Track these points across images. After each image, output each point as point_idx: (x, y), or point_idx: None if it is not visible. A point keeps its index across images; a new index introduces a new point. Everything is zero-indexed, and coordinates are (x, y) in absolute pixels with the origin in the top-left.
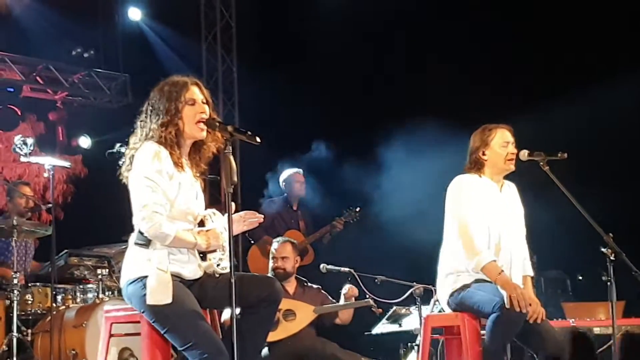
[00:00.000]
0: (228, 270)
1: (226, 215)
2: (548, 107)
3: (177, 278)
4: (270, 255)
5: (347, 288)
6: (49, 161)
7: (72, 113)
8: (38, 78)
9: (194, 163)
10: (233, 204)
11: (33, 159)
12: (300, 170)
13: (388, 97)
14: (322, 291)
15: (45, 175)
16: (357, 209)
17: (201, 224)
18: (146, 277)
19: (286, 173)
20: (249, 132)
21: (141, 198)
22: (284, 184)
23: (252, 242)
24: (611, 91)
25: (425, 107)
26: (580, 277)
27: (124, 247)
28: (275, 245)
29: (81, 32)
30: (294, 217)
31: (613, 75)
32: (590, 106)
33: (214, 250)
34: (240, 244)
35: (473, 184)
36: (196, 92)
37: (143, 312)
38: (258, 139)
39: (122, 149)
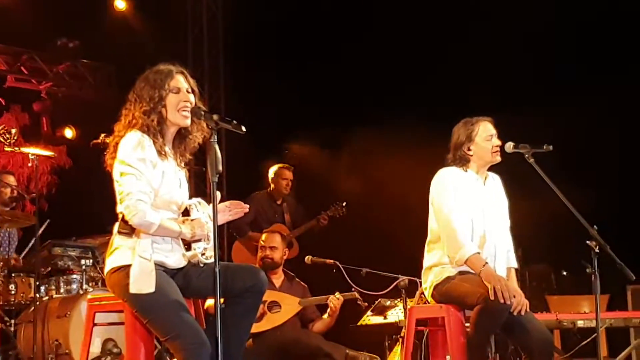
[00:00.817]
0: (212, 260)
1: (212, 204)
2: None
3: (160, 267)
4: (259, 245)
5: (331, 302)
6: (33, 151)
7: (57, 104)
8: (22, 68)
9: (179, 153)
10: (219, 193)
11: (17, 149)
12: (290, 167)
13: (375, 87)
14: (308, 291)
15: (29, 165)
16: (344, 204)
17: (186, 213)
18: (129, 265)
19: (275, 167)
20: (235, 122)
21: (125, 186)
22: (271, 177)
23: (237, 236)
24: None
25: (407, 100)
26: (565, 273)
27: (107, 237)
28: (264, 235)
29: (66, 22)
30: (278, 210)
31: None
32: (578, 101)
33: (199, 240)
34: (225, 238)
35: (456, 177)
36: (181, 81)
37: (125, 301)
38: (244, 128)
39: (107, 140)
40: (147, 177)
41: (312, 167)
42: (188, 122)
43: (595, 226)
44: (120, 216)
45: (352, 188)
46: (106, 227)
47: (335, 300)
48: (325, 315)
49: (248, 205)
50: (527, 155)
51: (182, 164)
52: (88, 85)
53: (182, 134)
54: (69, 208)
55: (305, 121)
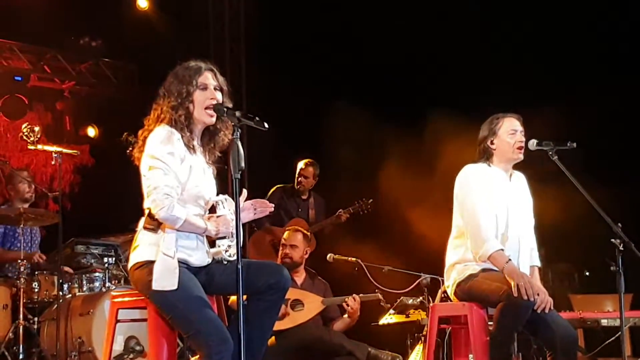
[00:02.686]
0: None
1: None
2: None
3: (183, 265)
4: (281, 242)
5: (348, 304)
6: (57, 149)
7: (80, 102)
8: (46, 67)
9: (208, 150)
10: (245, 191)
11: (40, 147)
12: (315, 163)
13: (399, 83)
14: (330, 289)
15: (53, 163)
16: (369, 201)
17: (212, 209)
18: (153, 262)
19: (301, 163)
20: (257, 118)
21: (153, 180)
22: (297, 173)
23: (256, 228)
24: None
25: (433, 98)
26: (588, 273)
27: (130, 236)
28: (286, 233)
29: (89, 22)
30: (303, 205)
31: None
32: (602, 98)
33: (224, 237)
34: (247, 231)
35: (481, 173)
36: (209, 78)
37: (149, 298)
38: (266, 125)
39: (130, 138)
40: (175, 172)
41: (337, 164)
42: (213, 120)
43: (619, 224)
44: (146, 212)
45: (377, 185)
46: (129, 226)
47: (352, 301)
48: (345, 316)
49: (273, 205)
50: (550, 153)
51: (211, 162)
52: (110, 84)
53: (211, 131)
54: (92, 207)
55: (330, 118)
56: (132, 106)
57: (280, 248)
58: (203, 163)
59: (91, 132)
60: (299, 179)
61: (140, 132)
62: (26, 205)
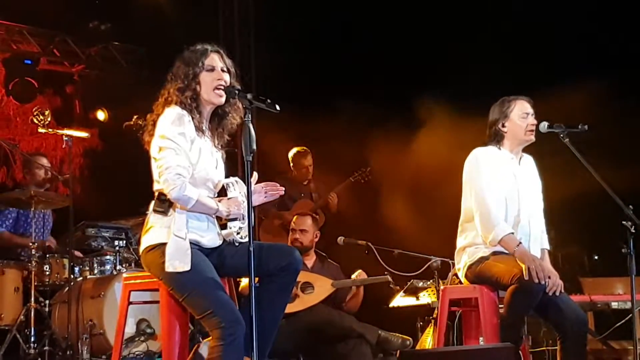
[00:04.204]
0: (247, 239)
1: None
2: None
3: (195, 246)
4: (290, 227)
5: (356, 274)
6: (67, 132)
7: (89, 86)
8: (55, 51)
9: (217, 134)
10: (256, 174)
11: (51, 130)
12: (308, 151)
13: (413, 63)
14: (341, 271)
15: (63, 146)
16: (368, 169)
17: (223, 191)
18: (165, 244)
19: (294, 151)
20: (268, 100)
21: (164, 160)
22: (291, 162)
23: (263, 218)
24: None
25: (439, 80)
26: (597, 257)
27: (140, 219)
28: (295, 218)
29: (98, 5)
30: (305, 190)
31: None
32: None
33: (235, 219)
34: (256, 220)
35: (491, 156)
36: (216, 59)
37: (161, 280)
38: (277, 107)
39: (140, 121)
40: (186, 152)
41: (343, 146)
42: (222, 100)
43: (630, 206)
44: (156, 194)
45: (385, 167)
46: (139, 209)
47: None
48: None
49: (283, 188)
50: (562, 135)
51: (220, 146)
52: (120, 67)
53: (219, 115)
54: (101, 190)
55: (339, 100)
56: (142, 90)
57: (290, 233)
58: (211, 146)
59: (101, 115)
60: (298, 167)
61: (148, 116)
62: (40, 190)
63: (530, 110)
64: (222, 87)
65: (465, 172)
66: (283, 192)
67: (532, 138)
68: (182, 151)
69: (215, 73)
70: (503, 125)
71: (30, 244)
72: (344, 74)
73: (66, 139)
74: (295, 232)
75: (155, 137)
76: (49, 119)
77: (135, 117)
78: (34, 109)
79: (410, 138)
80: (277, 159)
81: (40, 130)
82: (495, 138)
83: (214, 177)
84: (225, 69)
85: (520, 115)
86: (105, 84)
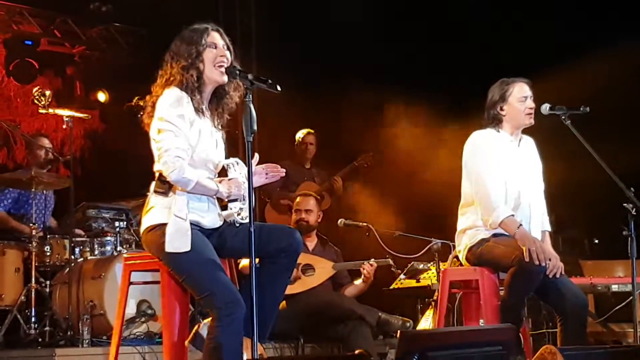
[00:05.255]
0: (248, 220)
1: (247, 164)
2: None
3: (196, 227)
4: (294, 208)
5: (364, 269)
6: (68, 113)
7: (90, 67)
8: (56, 31)
9: (216, 114)
10: (257, 155)
11: (52, 111)
12: (313, 132)
13: (411, 50)
14: (341, 255)
15: (64, 127)
16: (370, 154)
17: (223, 172)
18: (165, 224)
19: (300, 133)
20: (270, 81)
21: (163, 142)
22: (296, 143)
23: (268, 200)
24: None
25: (441, 67)
26: (597, 241)
27: (141, 200)
28: (298, 198)
29: None
30: (308, 174)
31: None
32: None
33: (235, 200)
34: (257, 202)
35: (490, 139)
36: (217, 37)
37: (161, 260)
38: (279, 88)
39: (141, 102)
40: (186, 134)
41: (343, 130)
42: (225, 78)
43: (632, 188)
44: (156, 175)
45: (387, 152)
46: (140, 190)
47: (368, 267)
48: (359, 282)
49: (284, 170)
50: (563, 117)
51: (220, 126)
52: (121, 49)
53: (219, 94)
54: (102, 172)
55: (339, 81)
56: (143, 71)
57: (294, 214)
58: (211, 127)
59: (101, 97)
60: (302, 147)
61: (148, 97)
62: (42, 171)
63: (529, 93)
64: (224, 64)
65: (464, 156)
66: (284, 174)
67: (531, 121)
68: (181, 133)
69: (218, 50)
70: (501, 109)
71: (31, 224)
72: (351, 54)
73: (67, 119)
74: (301, 212)
75: (154, 119)
76: (49, 100)
77: (136, 98)
78: (34, 90)
79: (408, 123)
80: (277, 142)
81: (41, 111)
82: (494, 121)
83: (214, 158)
84: (226, 47)
85: (518, 99)
86: (106, 65)
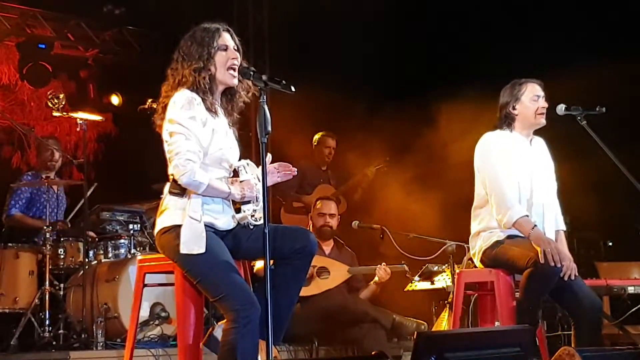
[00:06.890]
0: (262, 221)
1: (261, 165)
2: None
3: (210, 229)
4: (317, 212)
5: (378, 274)
6: (81, 115)
7: (103, 71)
8: (69, 35)
9: (227, 112)
10: (270, 155)
11: (65, 114)
12: (333, 135)
13: (427, 53)
14: (356, 259)
15: (77, 130)
16: (386, 159)
17: (235, 174)
18: (180, 226)
19: (318, 135)
20: (284, 82)
21: (174, 145)
22: (314, 145)
23: (283, 202)
24: None
25: (460, 70)
26: (611, 244)
27: (155, 203)
28: (319, 203)
29: None
30: (324, 177)
31: None
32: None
33: (248, 202)
34: (271, 203)
35: (502, 140)
36: (228, 39)
37: (176, 262)
38: (293, 88)
39: (154, 105)
40: (197, 136)
41: (358, 134)
42: (236, 81)
43: None
44: (171, 177)
45: (401, 155)
46: (151, 187)
47: (383, 272)
48: (372, 282)
49: (296, 168)
50: (579, 118)
51: (231, 124)
52: (134, 52)
53: (229, 93)
54: (116, 175)
55: (355, 82)
56: (156, 74)
57: (316, 217)
58: (225, 125)
59: (115, 100)
60: (320, 150)
61: (159, 99)
62: (52, 174)
63: (541, 93)
64: (236, 67)
65: (477, 157)
66: (296, 173)
67: (543, 121)
68: (192, 136)
69: (229, 52)
70: (514, 108)
71: (45, 227)
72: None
73: (80, 122)
74: (325, 216)
75: (165, 122)
76: (63, 103)
77: (149, 101)
78: (48, 93)
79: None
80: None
81: (55, 114)
82: (506, 121)
83: (229, 156)
84: (236, 48)
85: (531, 98)
86: (120, 68)
